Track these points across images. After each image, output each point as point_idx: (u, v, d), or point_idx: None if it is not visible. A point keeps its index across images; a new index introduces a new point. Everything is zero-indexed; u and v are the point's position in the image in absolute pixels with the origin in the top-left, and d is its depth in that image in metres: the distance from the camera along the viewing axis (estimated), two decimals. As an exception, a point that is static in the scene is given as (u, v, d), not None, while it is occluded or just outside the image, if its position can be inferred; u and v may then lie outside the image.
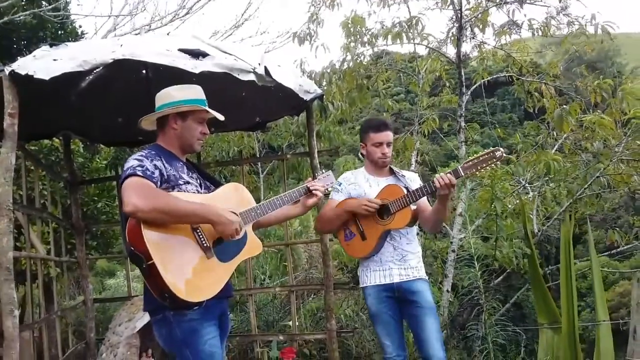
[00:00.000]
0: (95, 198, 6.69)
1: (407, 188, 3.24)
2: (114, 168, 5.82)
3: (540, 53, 8.46)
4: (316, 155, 4.27)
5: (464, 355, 4.99)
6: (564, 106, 5.35)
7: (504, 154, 3.06)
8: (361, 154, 3.50)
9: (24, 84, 2.84)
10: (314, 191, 2.87)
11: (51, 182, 4.99)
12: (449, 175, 2.99)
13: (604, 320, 4.64)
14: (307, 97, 3.90)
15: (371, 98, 8.05)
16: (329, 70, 6.10)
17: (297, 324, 4.34)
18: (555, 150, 6.04)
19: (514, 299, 6.71)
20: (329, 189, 3.21)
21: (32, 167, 4.29)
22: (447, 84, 7.60)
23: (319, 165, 4.20)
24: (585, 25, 5.84)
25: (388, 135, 3.36)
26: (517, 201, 5.84)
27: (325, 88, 5.96)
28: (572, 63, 8.48)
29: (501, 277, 5.68)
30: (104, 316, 6.72)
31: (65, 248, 4.69)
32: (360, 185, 3.37)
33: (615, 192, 6.87)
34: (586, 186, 5.54)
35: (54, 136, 4.71)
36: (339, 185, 3.41)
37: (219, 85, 3.23)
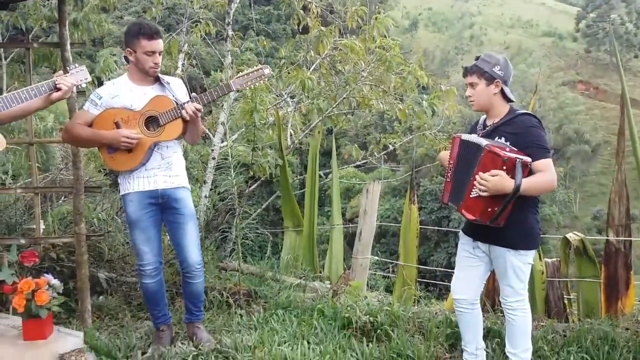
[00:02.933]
0: None
1: (176, 100, 3.24)
2: None
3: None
4: (68, 47, 3.90)
5: (217, 255, 5.34)
6: (322, 28, 5.74)
7: (271, 72, 3.27)
8: (126, 58, 3.32)
9: None
10: (60, 86, 2.70)
11: None
12: (194, 103, 3.15)
13: (337, 225, 5.37)
14: (59, -18, 3.52)
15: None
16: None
17: (43, 227, 4.12)
18: (313, 70, 6.49)
19: (266, 204, 7.28)
20: (82, 85, 3.05)
21: None
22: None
23: (71, 58, 3.87)
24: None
25: (160, 44, 3.25)
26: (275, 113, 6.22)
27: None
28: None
29: (256, 185, 6.10)
30: None
31: None
32: (123, 96, 3.23)
33: (365, 111, 7.74)
34: (335, 105, 6.14)
35: None
36: (99, 99, 3.23)
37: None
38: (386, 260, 6.01)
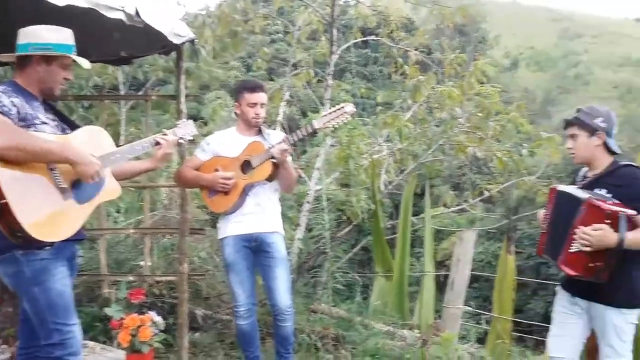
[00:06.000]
0: None
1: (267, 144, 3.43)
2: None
3: (416, 10, 8.85)
4: (183, 100, 4.21)
5: (308, 299, 5.43)
6: (420, 77, 5.81)
7: (354, 109, 3.35)
8: (235, 113, 3.61)
9: None
10: (159, 140, 2.88)
11: None
12: (281, 144, 3.24)
13: (429, 272, 5.30)
14: (178, 41, 3.82)
15: (250, 34, 7.98)
16: (203, 13, 5.99)
17: (149, 264, 4.42)
18: (410, 116, 6.55)
19: (359, 247, 7.32)
20: (189, 138, 3.28)
21: None
22: (323, 38, 7.75)
23: (185, 110, 4.17)
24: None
25: (262, 97, 3.49)
26: (370, 159, 6.32)
27: (198, 31, 5.83)
28: (441, 25, 8.95)
29: (347, 229, 6.17)
30: None
31: None
32: (228, 144, 3.50)
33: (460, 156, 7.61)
34: (430, 152, 6.14)
35: None
36: (207, 145, 3.54)
37: (83, 14, 3.11)
38: (479, 311, 5.82)
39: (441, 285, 5.85)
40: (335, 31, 6.10)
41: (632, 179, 2.77)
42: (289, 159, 3.42)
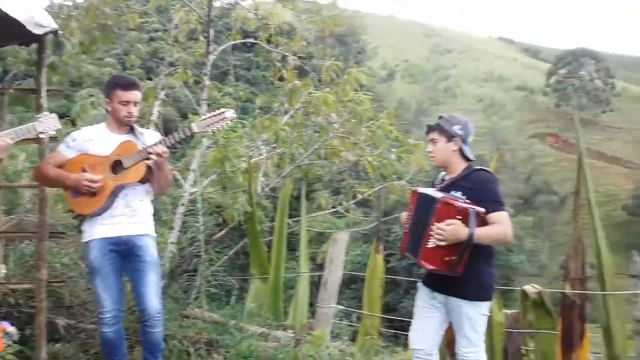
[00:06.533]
0: None
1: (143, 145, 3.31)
2: None
3: (298, 17, 9.00)
4: (44, 94, 3.95)
5: (181, 302, 5.29)
6: (296, 82, 5.93)
7: (234, 115, 3.33)
8: (105, 109, 3.42)
9: None
10: None
11: None
12: (159, 145, 3.18)
13: (303, 273, 5.42)
14: (39, 31, 3.60)
15: (126, 30, 7.65)
16: (69, 4, 5.65)
17: (4, 271, 4.07)
18: (287, 119, 6.65)
19: (236, 249, 7.30)
20: (52, 133, 3.10)
21: None
22: (201, 37, 7.62)
23: (45, 105, 3.91)
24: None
25: (136, 95, 3.35)
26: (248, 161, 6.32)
27: (63, 22, 5.48)
28: (319, 32, 9.14)
29: (224, 231, 6.12)
30: None
31: None
32: (97, 141, 3.32)
33: (335, 161, 7.85)
34: (305, 155, 6.28)
35: None
36: (72, 141, 3.33)
37: None
38: (350, 309, 6.05)
39: (318, 286, 5.99)
40: (212, 31, 6.03)
41: (482, 183, 3.06)
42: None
